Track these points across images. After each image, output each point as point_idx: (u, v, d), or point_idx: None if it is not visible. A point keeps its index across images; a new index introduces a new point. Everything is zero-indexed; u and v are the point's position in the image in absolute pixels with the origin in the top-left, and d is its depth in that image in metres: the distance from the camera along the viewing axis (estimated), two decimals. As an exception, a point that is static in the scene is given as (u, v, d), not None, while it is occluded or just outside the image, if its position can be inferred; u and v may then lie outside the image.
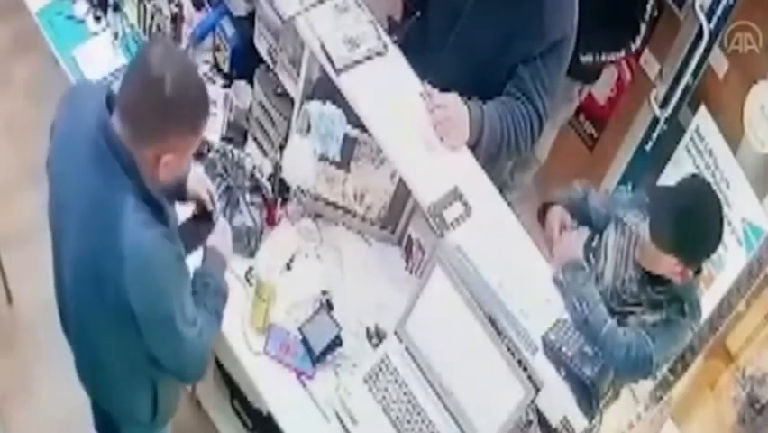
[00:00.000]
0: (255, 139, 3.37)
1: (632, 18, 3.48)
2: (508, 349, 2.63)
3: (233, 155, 3.20)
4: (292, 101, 3.14)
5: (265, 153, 3.34)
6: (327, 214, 3.28)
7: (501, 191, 3.01)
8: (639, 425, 2.47)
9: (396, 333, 2.98)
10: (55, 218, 2.51)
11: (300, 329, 3.04)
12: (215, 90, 3.41)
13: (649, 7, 3.46)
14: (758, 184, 3.21)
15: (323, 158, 3.04)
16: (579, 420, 2.67)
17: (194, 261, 2.61)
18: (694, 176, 3.22)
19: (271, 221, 3.23)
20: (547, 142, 3.99)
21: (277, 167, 3.15)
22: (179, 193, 2.69)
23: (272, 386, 3.03)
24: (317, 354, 3.01)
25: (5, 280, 3.86)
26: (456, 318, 2.72)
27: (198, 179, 2.77)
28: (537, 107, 2.94)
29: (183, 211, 2.72)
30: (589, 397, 2.69)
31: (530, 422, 2.76)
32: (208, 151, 3.21)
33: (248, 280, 3.13)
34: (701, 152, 3.43)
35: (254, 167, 3.19)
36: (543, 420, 2.75)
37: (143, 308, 2.35)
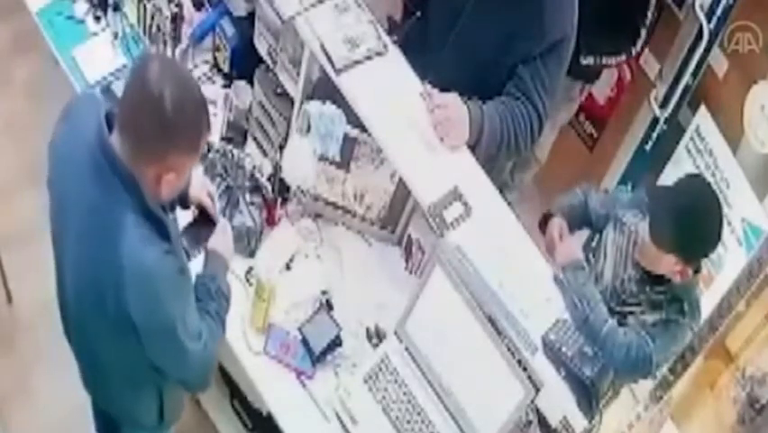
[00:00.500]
0: (255, 139, 3.37)
1: (633, 23, 3.49)
2: (508, 349, 2.63)
3: (232, 155, 3.20)
4: (292, 101, 3.14)
5: (265, 153, 3.34)
6: (327, 214, 3.28)
7: (501, 191, 3.01)
8: (639, 425, 2.47)
9: (396, 333, 2.98)
10: (57, 235, 2.49)
11: (300, 329, 3.04)
12: (215, 90, 3.41)
13: (650, 13, 3.47)
14: (758, 184, 3.21)
15: (323, 158, 3.04)
16: (579, 420, 2.67)
17: (196, 265, 2.60)
18: (693, 175, 3.22)
19: (271, 221, 3.23)
20: (547, 142, 3.99)
21: (277, 167, 3.15)
22: (181, 199, 2.67)
23: (272, 386, 3.03)
24: (317, 354, 3.01)
25: (5, 280, 3.86)
26: (456, 318, 2.72)
27: (200, 184, 2.74)
28: (537, 107, 2.95)
29: (184, 215, 2.71)
30: (589, 397, 2.69)
31: (530, 422, 2.76)
32: (208, 151, 3.20)
33: (248, 281, 3.13)
34: (701, 151, 3.43)
35: (254, 167, 3.19)
36: (543, 420, 2.75)
37: (146, 324, 2.34)
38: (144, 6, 3.50)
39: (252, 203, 3.17)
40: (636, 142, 3.69)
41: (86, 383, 2.78)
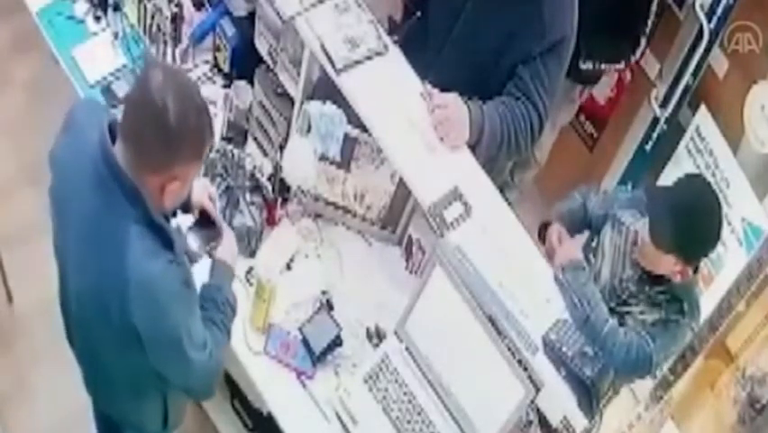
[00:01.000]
0: (255, 139, 3.37)
1: (633, 31, 3.49)
2: (508, 349, 2.63)
3: (233, 155, 3.20)
4: (292, 101, 3.14)
5: (265, 153, 3.34)
6: (327, 214, 3.28)
7: (501, 191, 3.01)
8: (639, 425, 2.47)
9: (396, 333, 2.98)
10: (59, 244, 2.48)
11: (300, 329, 3.04)
12: (216, 90, 3.41)
13: (650, 22, 3.47)
14: (758, 184, 3.21)
15: (323, 158, 3.04)
16: (579, 420, 2.67)
17: (198, 270, 2.58)
18: (693, 175, 3.22)
19: (271, 221, 3.23)
20: (548, 142, 3.99)
21: (277, 167, 3.15)
22: (183, 204, 2.65)
23: (272, 386, 3.03)
24: (317, 354, 3.01)
25: (5, 280, 3.86)
26: (456, 318, 2.72)
27: (201, 188, 2.72)
28: (537, 107, 2.95)
29: (185, 220, 2.70)
30: (590, 397, 2.70)
31: (530, 422, 2.76)
32: (209, 151, 3.20)
33: (248, 281, 3.13)
34: (701, 151, 3.43)
35: (254, 167, 3.19)
36: (543, 420, 2.75)
37: (151, 335, 2.34)
38: (144, 6, 3.50)
39: (253, 203, 3.17)
40: (636, 142, 3.69)
41: (88, 387, 2.77)
